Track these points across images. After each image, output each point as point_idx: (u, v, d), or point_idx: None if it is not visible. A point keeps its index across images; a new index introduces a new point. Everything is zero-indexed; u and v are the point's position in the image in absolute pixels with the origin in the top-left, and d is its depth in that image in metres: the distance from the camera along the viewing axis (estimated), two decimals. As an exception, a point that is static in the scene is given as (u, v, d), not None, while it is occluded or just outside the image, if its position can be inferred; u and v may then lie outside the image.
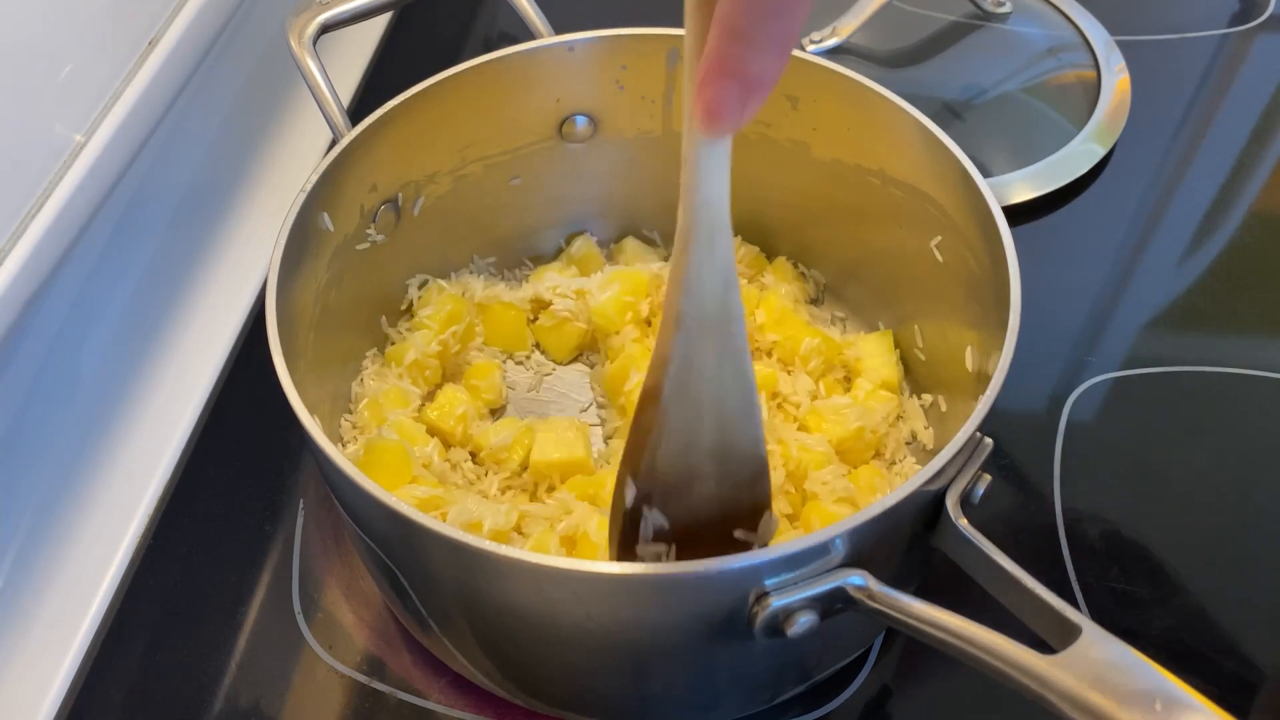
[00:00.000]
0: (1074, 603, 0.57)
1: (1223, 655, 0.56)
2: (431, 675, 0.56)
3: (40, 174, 0.55)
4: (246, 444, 0.65)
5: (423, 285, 0.66)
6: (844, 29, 0.86)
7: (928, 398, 0.61)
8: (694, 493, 0.44)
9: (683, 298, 0.39)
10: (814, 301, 0.69)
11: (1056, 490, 0.63)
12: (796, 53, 0.60)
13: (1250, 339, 0.71)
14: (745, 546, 0.47)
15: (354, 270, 0.60)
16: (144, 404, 0.67)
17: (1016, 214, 0.77)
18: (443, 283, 0.66)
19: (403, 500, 0.42)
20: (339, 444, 0.60)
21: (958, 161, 0.54)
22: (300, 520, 0.62)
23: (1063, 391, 0.67)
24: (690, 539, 0.46)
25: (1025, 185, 0.78)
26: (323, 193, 0.55)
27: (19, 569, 0.58)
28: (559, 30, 0.63)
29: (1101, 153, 0.80)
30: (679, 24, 0.61)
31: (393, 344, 0.64)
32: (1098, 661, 0.36)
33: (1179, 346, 0.71)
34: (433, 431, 0.60)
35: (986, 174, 0.77)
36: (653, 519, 0.45)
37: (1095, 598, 0.58)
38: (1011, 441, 0.65)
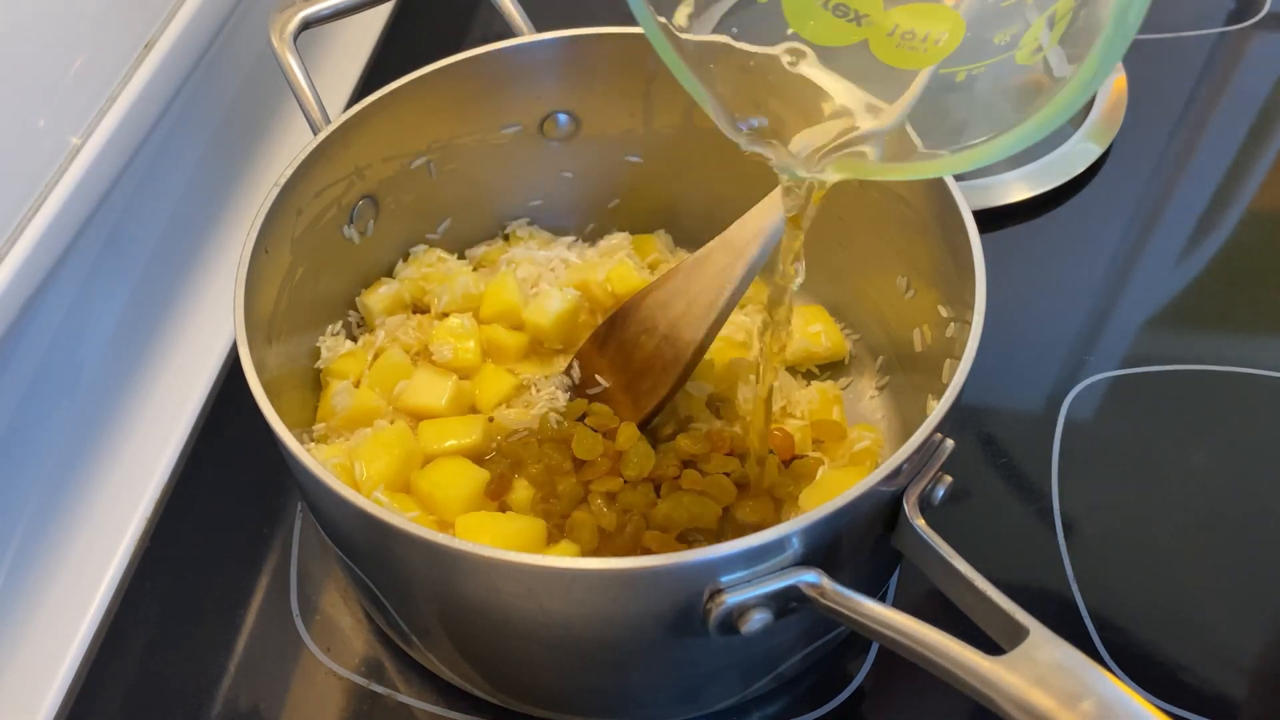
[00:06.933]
0: (1072, 601, 0.58)
1: (1219, 653, 0.56)
2: (429, 677, 0.56)
3: (37, 176, 0.55)
4: (245, 445, 0.65)
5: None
6: (841, 29, 0.86)
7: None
8: (637, 344, 0.59)
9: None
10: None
11: (1055, 489, 0.63)
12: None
13: (1248, 337, 0.71)
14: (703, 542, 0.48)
15: (329, 261, 0.61)
16: (142, 405, 0.67)
17: (1013, 213, 0.77)
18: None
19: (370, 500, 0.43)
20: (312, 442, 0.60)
21: None
22: (298, 522, 0.62)
23: (1061, 390, 0.68)
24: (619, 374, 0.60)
25: (1022, 184, 0.78)
26: (299, 187, 0.55)
27: (18, 570, 0.58)
28: (542, 28, 0.63)
29: (1098, 152, 0.80)
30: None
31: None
32: (1043, 663, 0.36)
33: (1177, 345, 0.71)
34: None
35: (983, 174, 0.78)
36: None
37: (1092, 596, 0.58)
38: (1009, 440, 0.65)
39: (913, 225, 0.57)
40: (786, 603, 0.42)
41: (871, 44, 0.41)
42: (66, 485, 0.62)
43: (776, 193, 0.54)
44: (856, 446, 0.58)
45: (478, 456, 0.57)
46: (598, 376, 0.61)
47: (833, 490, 0.43)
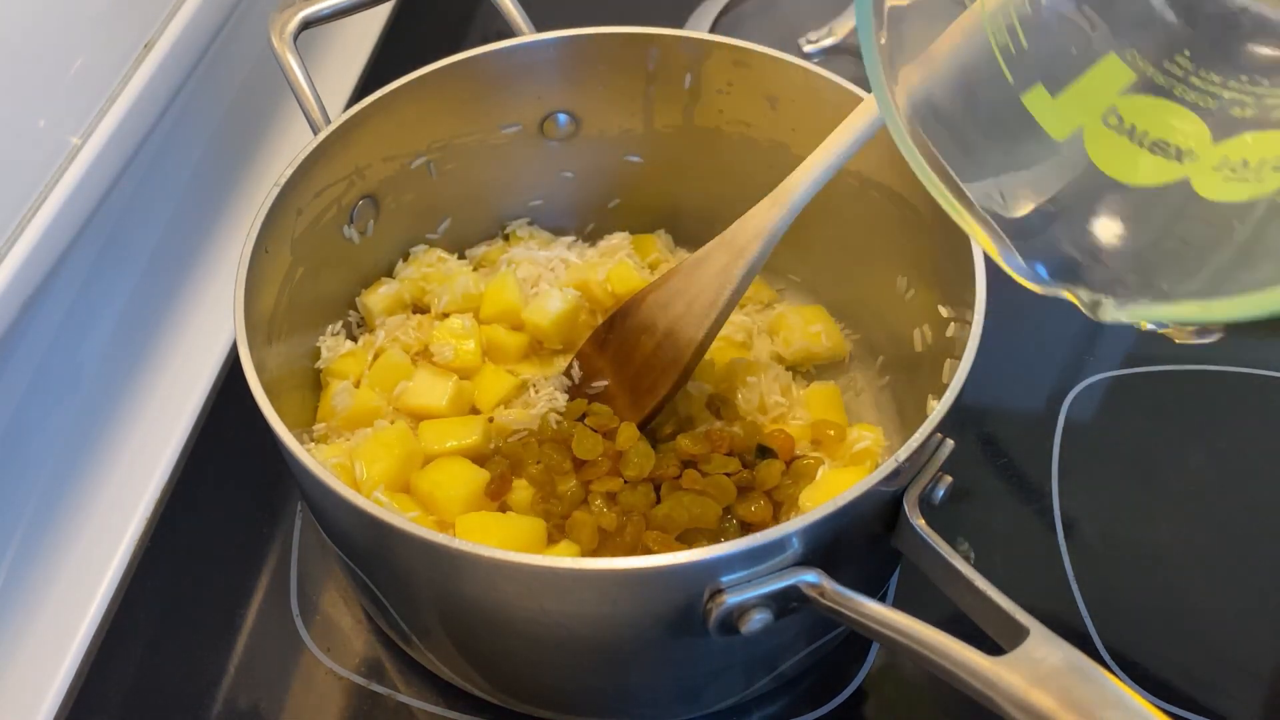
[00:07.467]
0: (1072, 601, 0.58)
1: (1219, 652, 0.56)
2: (429, 677, 0.56)
3: (37, 176, 0.55)
4: (245, 445, 0.65)
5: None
6: (840, 29, 0.86)
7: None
8: (637, 344, 0.59)
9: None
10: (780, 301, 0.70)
11: (1055, 488, 0.63)
12: (777, 53, 0.60)
13: (1248, 337, 0.71)
14: (707, 540, 0.48)
15: (329, 261, 0.61)
16: (142, 404, 0.67)
17: (1014, 213, 0.77)
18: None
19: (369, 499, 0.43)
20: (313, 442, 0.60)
21: None
22: (298, 522, 0.62)
23: (1061, 390, 0.68)
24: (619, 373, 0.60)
25: (1022, 184, 0.78)
26: (299, 187, 0.55)
27: (18, 570, 0.58)
28: (542, 28, 0.63)
29: (1099, 151, 0.80)
30: (660, 23, 0.62)
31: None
32: (1043, 663, 0.36)
33: (1177, 345, 0.70)
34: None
35: (983, 173, 0.78)
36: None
37: (1092, 596, 0.58)
38: (1010, 440, 0.65)
39: (913, 225, 0.57)
40: (786, 603, 0.42)
41: (1194, 179, 0.38)
42: (66, 485, 0.62)
43: (776, 193, 0.54)
44: (856, 446, 0.58)
45: (478, 457, 0.57)
46: (597, 377, 0.61)
47: (833, 490, 0.43)
